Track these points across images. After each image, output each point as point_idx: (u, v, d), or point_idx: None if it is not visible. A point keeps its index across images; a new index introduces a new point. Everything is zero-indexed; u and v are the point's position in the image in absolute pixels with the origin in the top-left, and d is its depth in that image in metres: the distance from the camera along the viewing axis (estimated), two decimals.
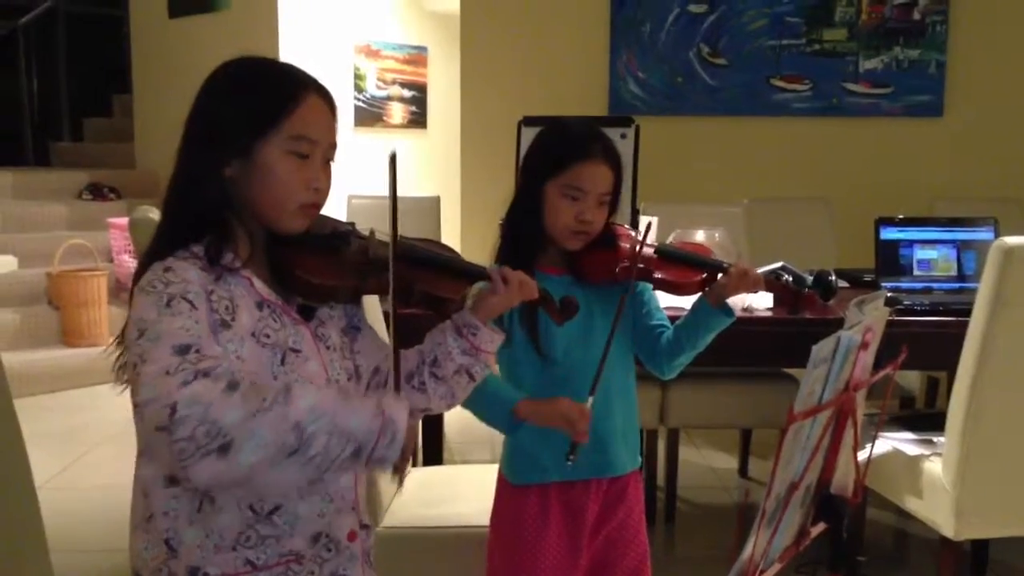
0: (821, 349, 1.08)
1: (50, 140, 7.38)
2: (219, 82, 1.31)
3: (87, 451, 3.96)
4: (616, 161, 1.73)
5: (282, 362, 1.27)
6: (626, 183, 1.80)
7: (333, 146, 1.33)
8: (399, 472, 1.22)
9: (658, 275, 1.75)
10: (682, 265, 1.78)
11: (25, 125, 7.37)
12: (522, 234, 1.75)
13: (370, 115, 6.09)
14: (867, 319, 1.20)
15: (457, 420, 4.10)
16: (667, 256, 1.78)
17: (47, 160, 7.24)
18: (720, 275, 1.75)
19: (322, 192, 1.32)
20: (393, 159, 1.24)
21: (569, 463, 1.59)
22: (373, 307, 1.91)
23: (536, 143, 1.78)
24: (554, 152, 1.73)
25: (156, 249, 1.26)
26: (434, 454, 2.95)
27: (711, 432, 4.14)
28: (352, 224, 1.39)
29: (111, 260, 5.40)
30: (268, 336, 1.27)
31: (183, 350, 1.12)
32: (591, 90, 4.94)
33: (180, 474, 1.10)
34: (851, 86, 4.92)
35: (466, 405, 1.64)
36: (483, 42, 5.11)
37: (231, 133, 1.26)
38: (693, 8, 4.97)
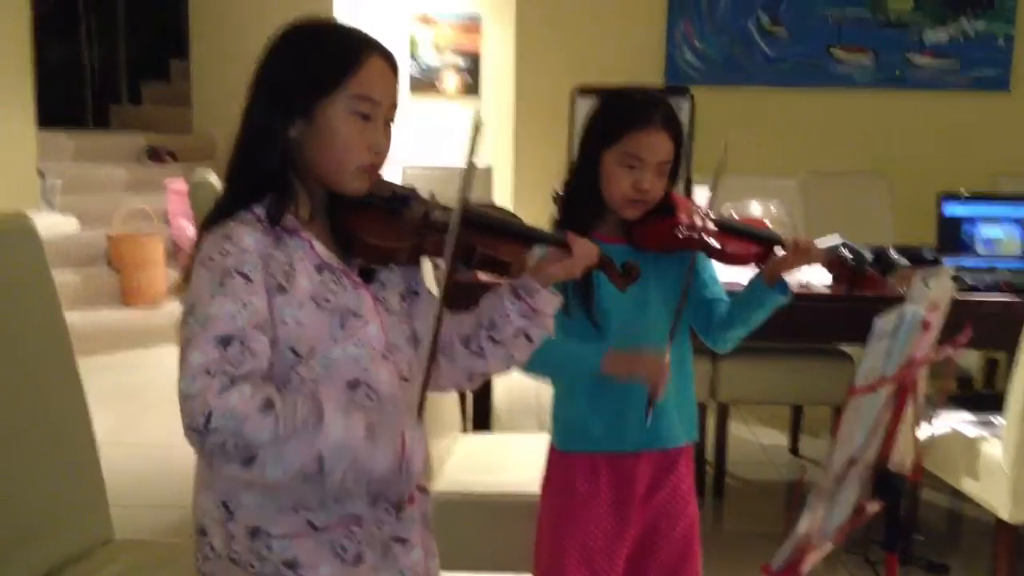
0: (884, 323, 1.05)
1: (110, 103, 7.49)
2: (283, 43, 1.31)
3: (147, 409, 4.04)
4: (677, 129, 1.71)
5: (342, 326, 1.28)
6: (684, 154, 1.78)
7: (394, 107, 1.33)
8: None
9: (715, 245, 1.73)
10: (739, 237, 1.76)
11: (85, 88, 7.47)
12: (580, 202, 1.74)
13: (424, 83, 6.09)
14: (932, 294, 1.17)
15: (504, 389, 4.15)
16: (724, 227, 1.76)
17: (106, 123, 7.34)
18: (777, 248, 1.73)
19: (382, 154, 1.32)
20: (478, 126, 1.24)
21: (648, 421, 1.63)
22: (425, 269, 1.91)
23: (595, 111, 1.77)
24: (613, 120, 1.71)
25: (220, 209, 1.27)
26: (482, 421, 2.97)
27: (761, 408, 4.11)
28: (412, 188, 1.39)
29: (167, 223, 5.49)
30: (328, 300, 1.28)
31: (226, 341, 1.15)
32: (647, 59, 4.88)
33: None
34: (915, 58, 4.80)
35: (538, 369, 1.66)
36: (538, 11, 5.06)
37: (295, 93, 1.27)
38: None
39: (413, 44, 6.06)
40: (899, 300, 1.16)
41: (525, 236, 1.42)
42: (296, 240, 1.28)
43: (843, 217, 3.66)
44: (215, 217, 1.27)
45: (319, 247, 1.30)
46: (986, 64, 4.78)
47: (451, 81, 6.24)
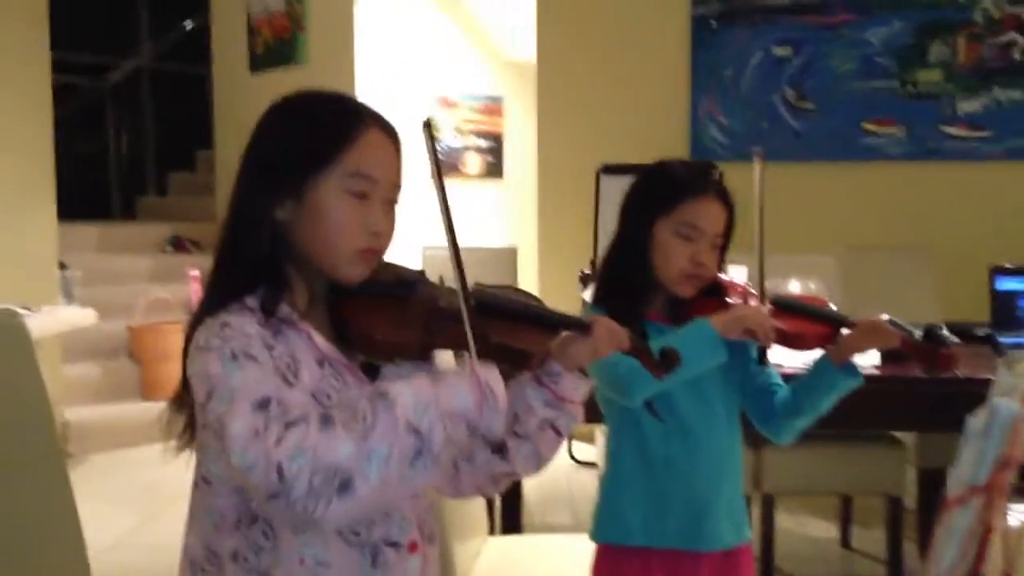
0: (975, 422, 0.90)
1: (136, 195, 7.52)
2: (271, 117, 1.20)
3: (168, 506, 3.89)
4: (729, 200, 1.59)
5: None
6: None
7: (397, 187, 1.21)
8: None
9: (775, 326, 1.59)
10: (801, 316, 1.62)
11: (112, 180, 7.52)
12: (625, 279, 1.61)
13: (446, 165, 6.05)
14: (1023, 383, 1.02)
15: (534, 481, 3.96)
16: (783, 306, 1.62)
17: (133, 214, 7.37)
18: (844, 329, 1.58)
19: (383, 236, 1.19)
20: (428, 125, 1.13)
21: (764, 367, 1.58)
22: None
23: (642, 181, 1.65)
24: (666, 188, 1.60)
25: (209, 303, 1.15)
26: (512, 521, 2.79)
27: (809, 498, 3.89)
28: (421, 272, 1.26)
29: (190, 312, 5.41)
30: (329, 397, 1.14)
31: (263, 404, 1.02)
32: (671, 136, 4.80)
33: (310, 527, 1.05)
34: (949, 129, 4.68)
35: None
36: (559, 90, 5.03)
37: (282, 171, 1.15)
38: (777, 51, 4.81)
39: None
40: (953, 381, 1.01)
41: (547, 322, 1.26)
42: (295, 332, 1.15)
43: (885, 293, 3.50)
44: (204, 311, 1.14)
45: (319, 339, 1.17)
46: (1022, 133, 4.65)
47: (474, 163, 6.20)
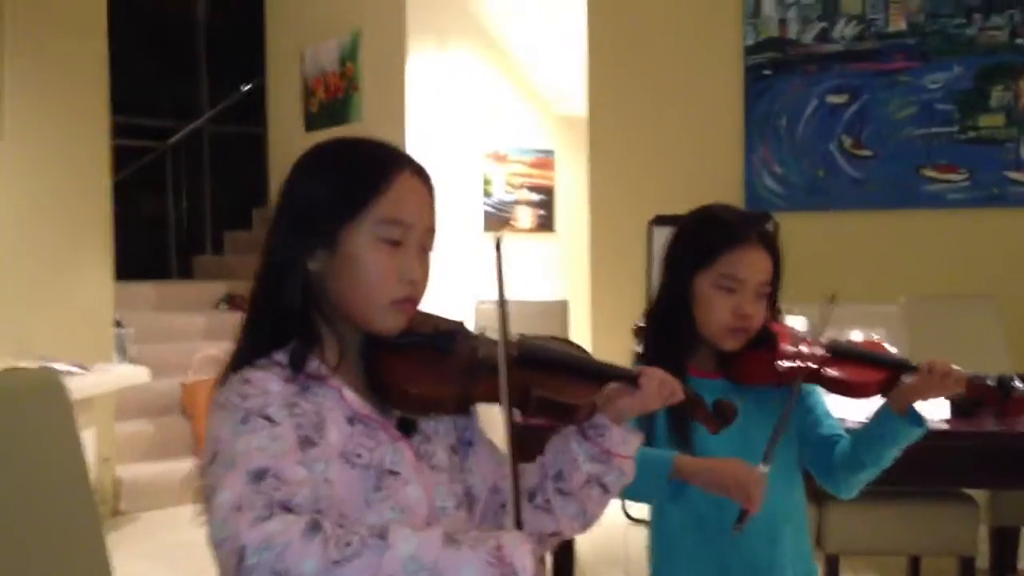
0: None
1: (193, 254, 7.64)
2: (303, 165, 1.17)
3: (213, 566, 3.86)
4: (774, 247, 1.52)
5: (377, 487, 1.08)
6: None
7: (431, 231, 1.16)
8: None
9: (831, 374, 1.50)
10: (859, 363, 1.53)
11: (170, 240, 7.66)
12: (668, 334, 1.54)
13: (498, 219, 6.03)
14: None
15: (589, 536, 3.84)
16: (840, 353, 1.53)
17: (190, 273, 7.47)
18: (905, 375, 1.49)
19: (418, 284, 1.14)
20: (498, 245, 1.06)
21: (736, 532, 1.38)
22: (492, 414, 1.71)
23: (682, 231, 1.59)
24: (704, 239, 1.53)
25: (237, 358, 1.11)
26: None
27: (875, 559, 3.71)
28: (460, 323, 1.21)
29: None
30: (360, 456, 1.08)
31: (259, 476, 0.96)
32: (725, 187, 4.72)
33: None
34: (1013, 175, 4.54)
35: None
36: (611, 143, 5.00)
37: (313, 220, 1.11)
38: (833, 98, 4.73)
39: (486, 181, 6.04)
40: None
41: (592, 374, 1.20)
42: (324, 388, 1.10)
43: (952, 344, 3.35)
44: (232, 366, 1.10)
45: (350, 395, 1.11)
46: None
47: (525, 216, 6.18)
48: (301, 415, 1.06)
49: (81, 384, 3.54)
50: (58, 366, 3.43)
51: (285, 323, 1.11)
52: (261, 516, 0.92)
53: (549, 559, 2.69)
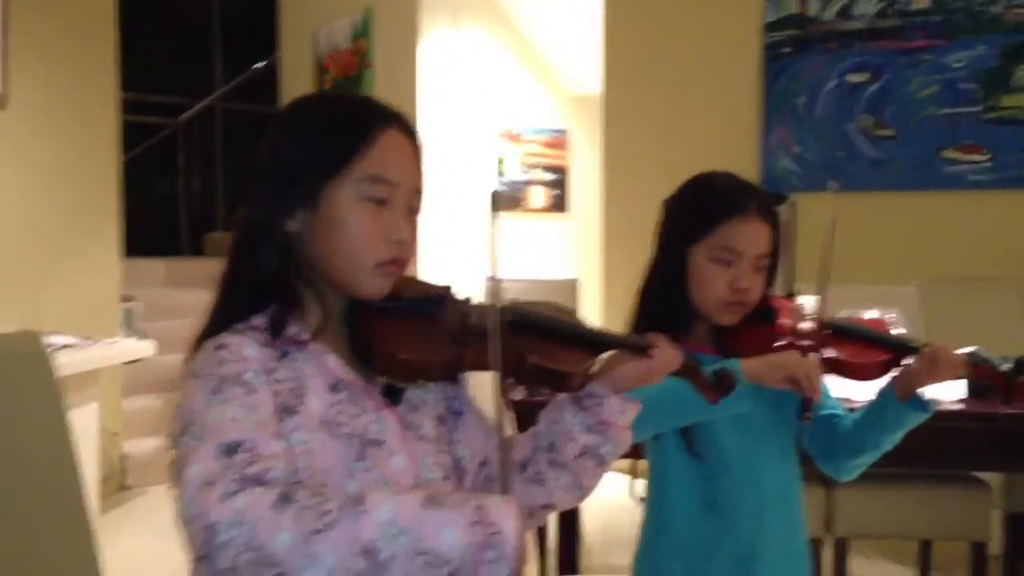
0: None
1: (205, 231, 7.62)
2: (283, 120, 1.11)
3: None
4: (774, 218, 1.45)
5: (360, 456, 1.03)
6: (783, 263, 1.52)
7: (418, 192, 1.10)
8: None
9: (831, 354, 1.44)
10: (862, 343, 1.46)
11: (182, 217, 7.64)
12: (662, 307, 1.49)
13: (511, 199, 5.98)
14: None
15: (597, 516, 3.81)
16: (841, 331, 1.47)
17: (201, 250, 7.46)
18: (910, 357, 1.43)
19: (406, 245, 1.08)
20: (495, 198, 1.01)
21: (806, 422, 1.38)
22: (485, 384, 1.66)
23: (678, 200, 1.52)
24: (701, 209, 1.47)
25: (212, 324, 1.06)
26: (571, 561, 2.65)
27: (885, 543, 3.65)
28: (448, 287, 1.16)
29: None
30: (342, 425, 1.03)
31: (231, 449, 0.90)
32: (741, 166, 4.53)
33: None
34: None
35: (670, 405, 1.31)
36: (625, 122, 4.93)
37: (293, 177, 1.05)
38: (853, 78, 4.63)
39: (500, 161, 5.98)
40: None
41: (589, 341, 1.15)
42: (305, 354, 1.04)
43: (971, 326, 3.29)
44: (207, 332, 1.05)
45: (333, 361, 1.06)
46: None
47: (539, 196, 6.12)
48: (280, 382, 1.01)
49: (86, 357, 3.51)
50: (63, 339, 3.40)
51: (263, 287, 1.06)
52: (230, 491, 0.87)
53: (554, 541, 2.65)
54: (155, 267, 6.06)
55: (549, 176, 6.15)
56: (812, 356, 1.45)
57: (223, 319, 1.06)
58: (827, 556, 2.91)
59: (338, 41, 6.38)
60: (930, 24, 4.57)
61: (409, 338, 1.08)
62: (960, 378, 1.49)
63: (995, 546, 2.78)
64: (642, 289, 1.55)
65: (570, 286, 4.20)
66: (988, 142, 4.46)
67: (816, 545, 2.91)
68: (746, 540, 1.44)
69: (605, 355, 1.15)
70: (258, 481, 0.88)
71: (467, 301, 1.12)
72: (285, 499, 0.85)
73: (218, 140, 7.74)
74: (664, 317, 1.47)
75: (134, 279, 5.19)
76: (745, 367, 1.34)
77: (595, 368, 1.14)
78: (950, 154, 4.51)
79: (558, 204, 6.17)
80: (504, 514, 0.87)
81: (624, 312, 1.61)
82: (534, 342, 1.11)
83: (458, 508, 0.87)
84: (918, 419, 1.44)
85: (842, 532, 2.78)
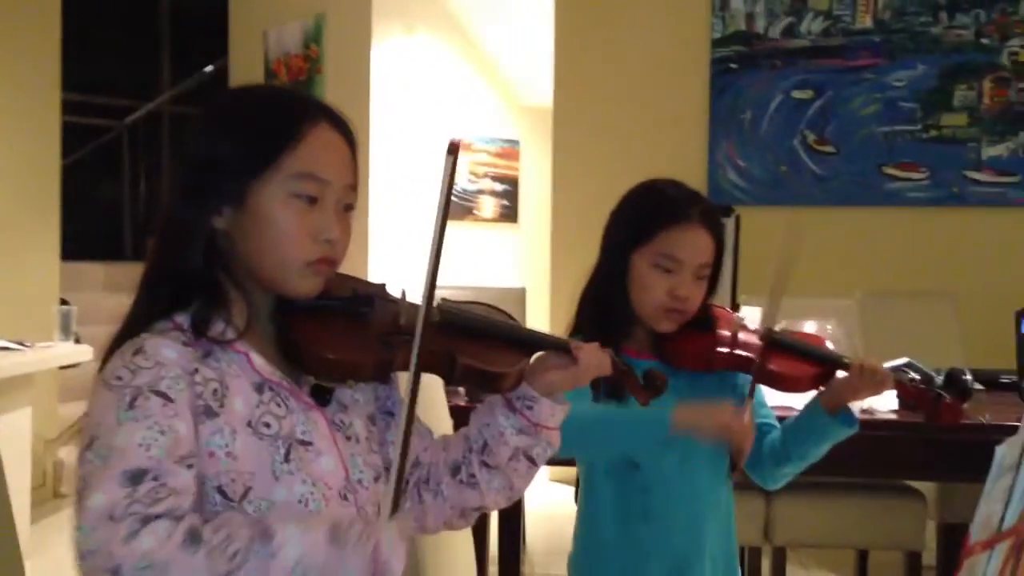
0: (1006, 454, 0.76)
1: (149, 236, 7.49)
2: (207, 115, 1.08)
3: None
4: (717, 228, 1.46)
5: (286, 458, 1.01)
6: (726, 275, 1.54)
7: (351, 188, 1.08)
8: None
9: (764, 366, 1.46)
10: (794, 356, 1.48)
11: (126, 221, 7.51)
12: (603, 312, 1.49)
13: (460, 208, 5.96)
14: None
15: (539, 525, 3.80)
16: (775, 344, 1.49)
17: (144, 255, 7.33)
18: (839, 371, 1.45)
19: (336, 244, 1.06)
20: (453, 150, 0.99)
21: (732, 480, 1.39)
22: (431, 387, 1.64)
23: (624, 204, 1.53)
24: (645, 214, 1.47)
25: (132, 323, 1.03)
26: (512, 569, 2.63)
27: (823, 552, 3.69)
28: (381, 285, 1.14)
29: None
30: (268, 425, 1.01)
31: (136, 478, 0.89)
32: (688, 180, 4.62)
33: None
34: (973, 174, 4.55)
35: (582, 443, 1.34)
36: (575, 134, 4.95)
37: (217, 176, 1.03)
38: (797, 94, 4.71)
39: None
40: (977, 428, 0.87)
41: (520, 342, 1.14)
42: (229, 354, 1.02)
43: (907, 339, 3.34)
44: (126, 332, 1.02)
45: (258, 361, 1.04)
46: None
47: (488, 206, 6.12)
48: (201, 383, 0.99)
49: (21, 361, 3.43)
50: None
51: (187, 285, 1.03)
52: (134, 531, 0.86)
53: (495, 549, 2.63)
54: (94, 271, 5.94)
55: (499, 186, 6.16)
56: (752, 367, 1.46)
57: (144, 318, 1.03)
58: (765, 565, 2.93)
59: (289, 46, 6.33)
60: (872, 43, 4.66)
61: (337, 338, 1.06)
62: (890, 391, 1.51)
63: (929, 556, 2.83)
64: (584, 292, 1.55)
65: (518, 295, 4.20)
66: (926, 160, 4.57)
67: (755, 554, 2.94)
68: (680, 550, 1.44)
69: (537, 356, 1.15)
70: (163, 518, 0.87)
71: (399, 300, 1.11)
72: (194, 538, 0.87)
73: (165, 144, 7.61)
74: (605, 321, 1.48)
75: (72, 283, 5.08)
76: (679, 414, 1.36)
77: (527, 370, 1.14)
78: (889, 171, 4.61)
79: (508, 214, 6.17)
80: (396, 554, 0.94)
81: (570, 320, 1.61)
82: (464, 343, 1.10)
83: (361, 547, 0.93)
84: (844, 433, 1.46)
85: (780, 541, 2.81)
